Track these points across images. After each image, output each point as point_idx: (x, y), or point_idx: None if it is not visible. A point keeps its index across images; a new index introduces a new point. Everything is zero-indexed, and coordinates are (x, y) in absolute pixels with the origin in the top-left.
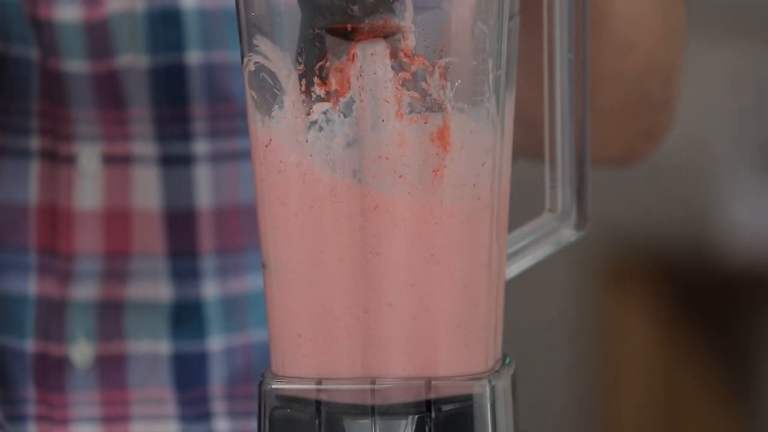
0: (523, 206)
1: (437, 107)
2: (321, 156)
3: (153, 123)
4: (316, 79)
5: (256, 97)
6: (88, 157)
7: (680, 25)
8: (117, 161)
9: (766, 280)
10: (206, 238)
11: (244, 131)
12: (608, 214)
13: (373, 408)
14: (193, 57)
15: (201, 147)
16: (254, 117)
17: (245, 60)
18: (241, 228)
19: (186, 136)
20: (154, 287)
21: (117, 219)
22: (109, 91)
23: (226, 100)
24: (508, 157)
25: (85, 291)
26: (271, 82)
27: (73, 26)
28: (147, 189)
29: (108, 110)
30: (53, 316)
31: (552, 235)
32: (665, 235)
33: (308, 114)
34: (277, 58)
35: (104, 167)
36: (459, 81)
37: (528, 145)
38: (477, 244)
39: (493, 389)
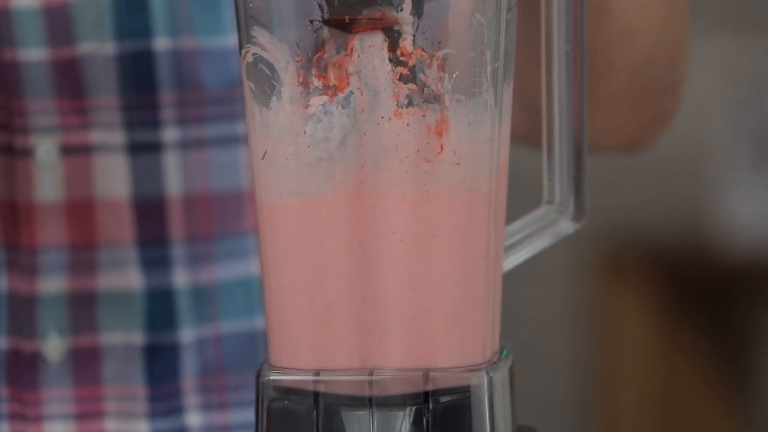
0: (521, 198)
1: (435, 99)
2: (319, 147)
3: (120, 110)
4: (314, 71)
5: (254, 89)
6: (46, 149)
7: (684, 10)
8: (76, 151)
9: (763, 273)
10: (176, 226)
11: (213, 118)
12: (606, 207)
13: (371, 399)
14: (161, 43)
15: (170, 134)
16: (252, 108)
17: (243, 51)
18: (211, 216)
19: (154, 123)
20: (124, 277)
21: (80, 209)
22: (69, 79)
23: (194, 87)
24: (506, 148)
25: (53, 284)
26: (269, 74)
27: (31, 12)
28: (112, 178)
29: (67, 99)
30: (23, 311)
31: (550, 227)
32: (663, 227)
33: (306, 107)
34: (275, 49)
35: (63, 158)
36: (457, 73)
37: (534, 133)
38: (475, 236)
39: (491, 381)
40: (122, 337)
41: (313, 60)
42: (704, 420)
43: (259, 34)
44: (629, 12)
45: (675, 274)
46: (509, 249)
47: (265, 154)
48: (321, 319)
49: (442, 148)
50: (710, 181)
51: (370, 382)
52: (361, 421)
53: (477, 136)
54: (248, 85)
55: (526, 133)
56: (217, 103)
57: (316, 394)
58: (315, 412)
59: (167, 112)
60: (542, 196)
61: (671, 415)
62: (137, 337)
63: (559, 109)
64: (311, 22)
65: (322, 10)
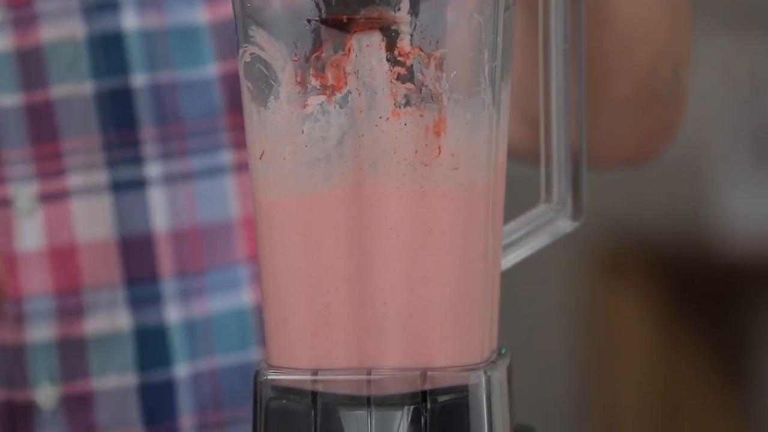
0: (519, 197)
1: (433, 99)
2: (317, 147)
3: (101, 150)
4: (311, 71)
5: (251, 88)
6: (25, 198)
7: (687, 19)
8: (55, 197)
9: (762, 272)
10: (165, 262)
11: (196, 150)
12: (604, 206)
13: (369, 399)
14: (139, 79)
15: (153, 170)
16: (250, 108)
17: (241, 51)
18: (201, 249)
19: (137, 160)
20: (112, 318)
21: (63, 255)
22: (45, 124)
23: (175, 121)
24: (504, 147)
25: (41, 332)
26: (267, 73)
27: (3, 56)
28: (96, 219)
29: (42, 145)
30: (14, 362)
31: (548, 225)
32: (662, 226)
33: (304, 107)
34: (272, 48)
35: (43, 205)
36: (455, 72)
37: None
38: (473, 235)
39: (488, 380)
40: (115, 379)
41: (311, 59)
42: (703, 419)
43: (257, 33)
44: (631, 20)
45: (674, 273)
46: (507, 248)
47: (262, 153)
48: (319, 318)
49: (440, 151)
50: (709, 181)
51: (368, 382)
52: (359, 420)
53: (475, 135)
54: (246, 85)
55: (527, 148)
56: (199, 135)
57: (314, 394)
58: (313, 412)
59: (149, 148)
60: (540, 194)
61: (670, 414)
62: (130, 378)
63: (556, 109)
64: (309, 21)
65: (319, 10)
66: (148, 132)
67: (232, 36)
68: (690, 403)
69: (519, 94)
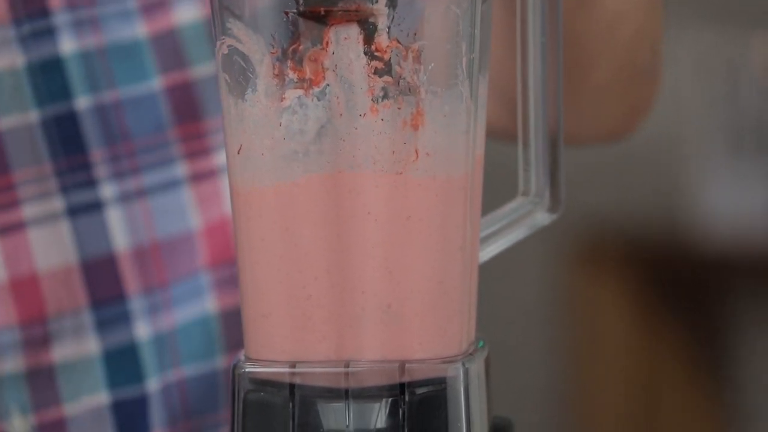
0: (497, 189)
1: (411, 91)
2: (294, 140)
3: (53, 177)
4: (289, 63)
5: (229, 81)
6: None
7: None
8: (11, 229)
9: (739, 265)
10: (130, 280)
11: (149, 166)
12: (582, 198)
13: (347, 391)
14: (82, 102)
15: (108, 190)
16: (227, 101)
17: (218, 43)
18: (164, 263)
19: (90, 183)
20: (80, 343)
21: (24, 286)
22: None
23: (124, 139)
24: (482, 140)
25: (8, 364)
26: (244, 66)
27: None
28: (55, 246)
29: None
30: None
31: (525, 218)
32: (639, 219)
33: (282, 100)
34: (250, 41)
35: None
36: (432, 64)
37: (511, 127)
38: (450, 226)
39: (466, 372)
40: (87, 402)
41: (289, 52)
42: (684, 409)
43: (234, 25)
44: (611, 1)
45: (651, 265)
46: (485, 240)
47: (240, 148)
48: (298, 311)
49: (417, 140)
50: (686, 173)
51: (347, 374)
52: (337, 413)
53: (452, 128)
54: (223, 77)
55: (503, 127)
56: (150, 151)
57: (292, 386)
58: (291, 404)
59: (101, 169)
60: (518, 187)
61: (650, 405)
62: (103, 397)
63: (534, 100)
64: (286, 13)
65: (297, 2)
66: (97, 154)
67: (173, 48)
68: (670, 393)
69: (497, 84)
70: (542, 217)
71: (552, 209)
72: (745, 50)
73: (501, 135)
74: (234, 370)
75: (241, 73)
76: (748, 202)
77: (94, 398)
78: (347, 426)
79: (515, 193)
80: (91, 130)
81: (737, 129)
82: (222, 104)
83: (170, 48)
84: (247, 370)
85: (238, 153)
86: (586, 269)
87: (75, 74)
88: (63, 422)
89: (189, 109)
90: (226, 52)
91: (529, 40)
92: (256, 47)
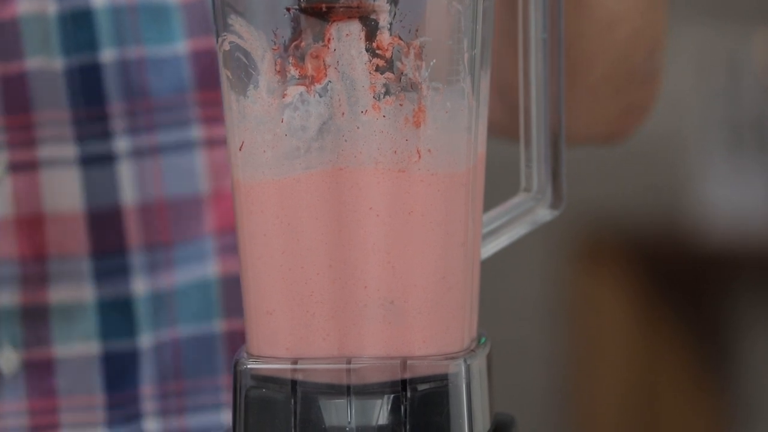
0: (499, 186)
1: (413, 87)
2: (296, 136)
3: (70, 124)
4: (291, 60)
5: (231, 77)
6: None
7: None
8: (24, 167)
9: (738, 260)
10: (133, 235)
11: (164, 125)
12: (583, 195)
13: (348, 388)
14: (107, 55)
15: (122, 144)
16: (229, 97)
17: (219, 40)
18: (169, 222)
19: (105, 134)
20: (77, 289)
21: (30, 224)
22: (17, 94)
23: (144, 96)
24: (484, 136)
25: (5, 297)
26: (246, 62)
27: None
28: (64, 192)
29: (14, 115)
30: None
31: (527, 214)
32: (640, 215)
33: (283, 96)
34: (251, 37)
35: (11, 174)
36: (434, 61)
37: (513, 126)
38: (452, 222)
39: (468, 368)
40: (78, 347)
41: (290, 49)
42: (684, 404)
43: (236, 22)
44: (608, 2)
45: (652, 260)
46: (487, 236)
47: (242, 144)
48: (300, 307)
49: (419, 136)
50: (686, 169)
51: (348, 371)
52: (338, 409)
53: (454, 124)
54: (225, 74)
55: (505, 124)
56: (167, 110)
57: (294, 383)
58: (293, 401)
59: (118, 123)
60: (520, 183)
61: (650, 400)
62: (93, 346)
63: (536, 98)
64: (288, 10)
65: None
66: (116, 107)
67: (202, 15)
68: (670, 389)
69: (498, 82)
70: (544, 214)
71: (554, 206)
72: (745, 47)
73: (502, 132)
74: (236, 367)
75: (242, 70)
76: (748, 198)
77: (85, 345)
78: (349, 422)
79: (517, 189)
80: (112, 84)
81: (737, 125)
82: (224, 100)
83: (199, 16)
84: (249, 366)
85: (240, 149)
86: (588, 265)
87: (104, 27)
88: (52, 363)
89: (212, 77)
90: (227, 48)
91: (531, 36)
92: (258, 44)
